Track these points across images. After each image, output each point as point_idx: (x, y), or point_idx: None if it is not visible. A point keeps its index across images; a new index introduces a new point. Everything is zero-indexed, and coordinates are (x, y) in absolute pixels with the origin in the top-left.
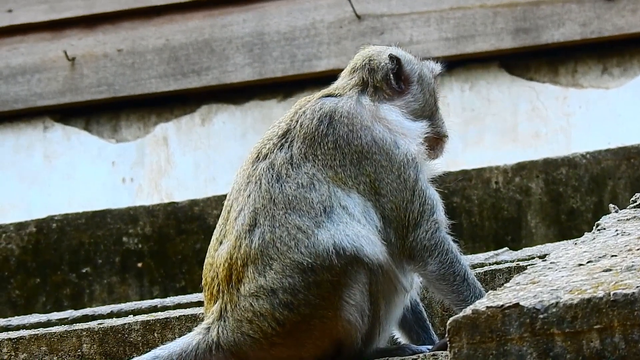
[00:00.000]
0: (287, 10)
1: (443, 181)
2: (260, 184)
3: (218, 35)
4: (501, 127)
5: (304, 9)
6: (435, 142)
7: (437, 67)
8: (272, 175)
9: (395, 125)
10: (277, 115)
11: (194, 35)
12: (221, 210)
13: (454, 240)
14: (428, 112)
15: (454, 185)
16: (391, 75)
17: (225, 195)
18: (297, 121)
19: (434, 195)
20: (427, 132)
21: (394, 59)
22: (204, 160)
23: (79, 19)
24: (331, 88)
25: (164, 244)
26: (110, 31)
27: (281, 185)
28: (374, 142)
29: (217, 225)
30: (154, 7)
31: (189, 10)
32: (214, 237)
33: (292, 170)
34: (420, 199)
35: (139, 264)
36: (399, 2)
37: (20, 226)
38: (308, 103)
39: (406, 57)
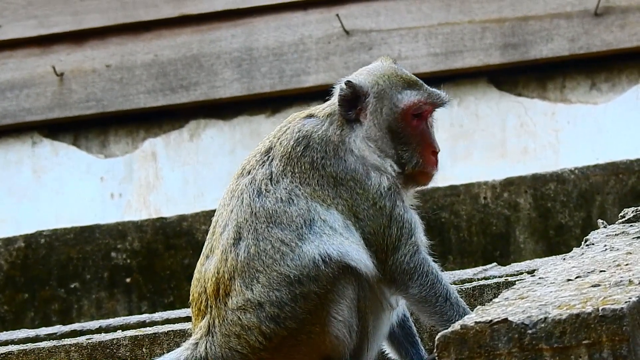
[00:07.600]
0: (275, 25)
1: (431, 197)
2: (242, 198)
3: (206, 51)
4: (490, 143)
5: (293, 25)
6: (410, 176)
7: (403, 102)
8: (253, 190)
9: (365, 159)
10: (266, 130)
11: (183, 51)
12: (209, 225)
13: (435, 260)
14: (390, 148)
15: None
16: (337, 102)
17: (214, 211)
18: (278, 139)
19: (412, 218)
20: (395, 169)
21: (348, 85)
22: (193, 176)
23: (68, 34)
24: (316, 107)
25: (153, 259)
26: (98, 46)
27: (261, 200)
28: (346, 171)
29: (206, 241)
30: (142, 23)
31: (177, 26)
32: (202, 253)
33: (272, 185)
34: (398, 223)
35: (128, 279)
36: (387, 17)
37: (8, 241)
38: (293, 121)
39: (364, 86)
